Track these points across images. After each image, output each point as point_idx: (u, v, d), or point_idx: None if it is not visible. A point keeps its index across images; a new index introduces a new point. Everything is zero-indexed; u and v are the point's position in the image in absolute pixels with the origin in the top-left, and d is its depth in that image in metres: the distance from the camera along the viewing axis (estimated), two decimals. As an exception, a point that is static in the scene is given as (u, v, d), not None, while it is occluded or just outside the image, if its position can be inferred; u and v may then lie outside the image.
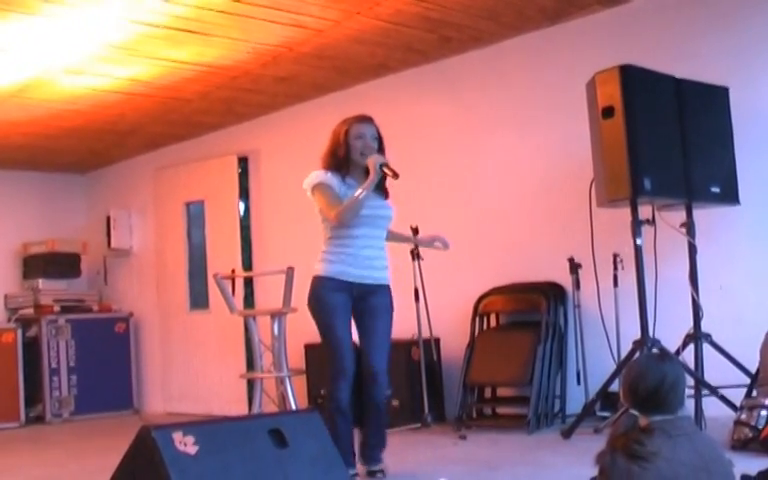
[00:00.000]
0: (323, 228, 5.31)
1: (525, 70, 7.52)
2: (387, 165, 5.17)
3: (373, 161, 5.14)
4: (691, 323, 5.99)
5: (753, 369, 5.60)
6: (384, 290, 5.36)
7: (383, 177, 5.27)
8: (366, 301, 5.28)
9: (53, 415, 10.11)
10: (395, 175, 5.16)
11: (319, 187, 5.21)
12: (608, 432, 3.42)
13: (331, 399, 5.18)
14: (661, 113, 5.91)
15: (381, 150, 5.32)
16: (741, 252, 6.35)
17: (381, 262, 5.34)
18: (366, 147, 5.23)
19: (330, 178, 5.22)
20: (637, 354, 5.75)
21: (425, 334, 7.22)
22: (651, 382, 3.10)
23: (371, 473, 5.29)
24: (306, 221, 5.32)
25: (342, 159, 5.25)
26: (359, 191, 5.10)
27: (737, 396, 5.56)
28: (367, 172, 5.17)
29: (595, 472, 3.14)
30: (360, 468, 5.28)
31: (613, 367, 6.17)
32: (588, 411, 6.27)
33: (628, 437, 3.08)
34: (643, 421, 3.11)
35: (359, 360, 5.30)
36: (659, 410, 3.08)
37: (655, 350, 5.72)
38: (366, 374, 5.27)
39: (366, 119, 5.36)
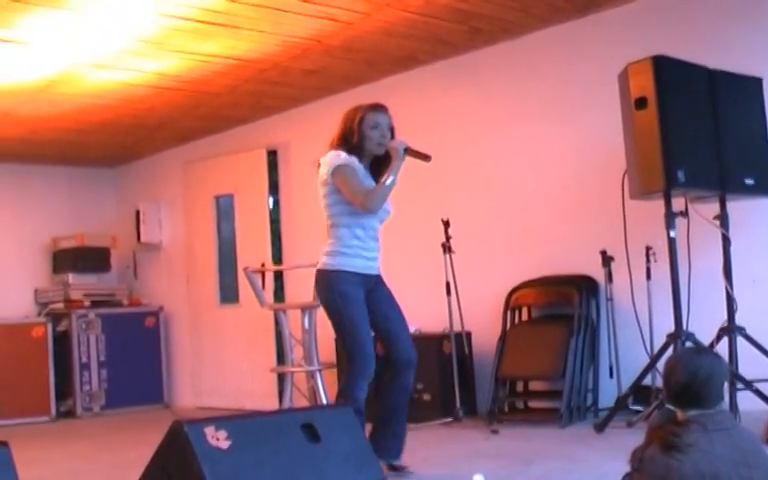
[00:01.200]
0: (330, 216, 5.16)
1: (555, 62, 7.46)
2: (412, 149, 5.06)
3: (395, 146, 5.03)
4: (725, 316, 5.93)
5: (788, 363, 5.55)
6: (382, 280, 5.27)
7: (382, 171, 5.14)
8: (375, 292, 5.17)
9: (84, 409, 10.17)
10: (426, 157, 5.08)
11: (344, 169, 5.02)
12: (641, 426, 3.39)
13: (351, 398, 4.92)
14: (694, 104, 5.85)
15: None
16: (776, 244, 6.28)
17: (377, 253, 5.23)
18: (383, 137, 5.11)
19: (354, 161, 5.06)
20: (671, 348, 5.70)
21: (456, 328, 7.20)
22: (683, 376, 3.06)
23: (396, 467, 5.13)
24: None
25: (355, 146, 5.10)
26: (386, 177, 4.98)
27: (772, 390, 5.53)
28: (376, 161, 5.13)
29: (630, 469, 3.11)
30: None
31: (646, 361, 6.12)
32: (621, 405, 6.22)
33: (664, 430, 3.05)
34: (680, 415, 3.08)
35: (392, 350, 5.16)
36: (694, 404, 3.04)
37: (689, 344, 5.67)
38: (402, 362, 5.13)
39: (381, 108, 5.22)
